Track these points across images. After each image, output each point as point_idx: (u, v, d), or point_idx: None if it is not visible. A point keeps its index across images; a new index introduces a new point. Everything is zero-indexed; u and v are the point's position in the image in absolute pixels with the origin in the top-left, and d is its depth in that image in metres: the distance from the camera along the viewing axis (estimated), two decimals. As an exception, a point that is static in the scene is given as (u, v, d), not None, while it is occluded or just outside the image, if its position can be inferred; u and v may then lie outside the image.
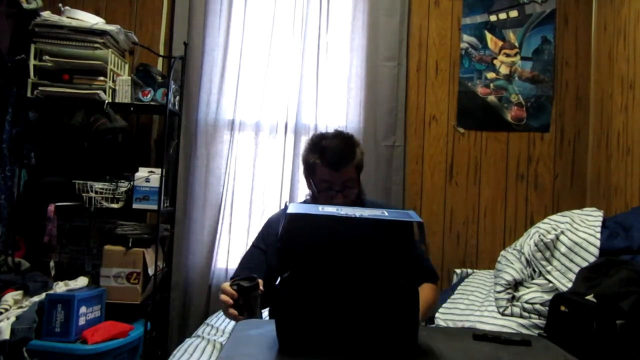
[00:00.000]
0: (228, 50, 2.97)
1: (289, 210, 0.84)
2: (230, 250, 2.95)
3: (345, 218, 0.84)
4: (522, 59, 3.05)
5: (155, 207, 2.63)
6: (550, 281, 2.10)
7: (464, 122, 3.05)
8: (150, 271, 2.64)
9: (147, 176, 2.64)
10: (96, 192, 2.60)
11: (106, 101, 2.61)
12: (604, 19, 2.89)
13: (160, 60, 3.05)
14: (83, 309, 2.27)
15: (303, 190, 2.76)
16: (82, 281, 2.55)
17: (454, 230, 3.03)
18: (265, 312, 1.61)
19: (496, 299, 2.16)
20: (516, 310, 2.07)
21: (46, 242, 2.57)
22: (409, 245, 0.96)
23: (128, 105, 2.70)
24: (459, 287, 2.50)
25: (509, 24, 3.06)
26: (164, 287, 2.90)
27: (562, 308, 1.74)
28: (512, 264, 2.29)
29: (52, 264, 2.73)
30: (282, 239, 0.84)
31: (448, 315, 2.26)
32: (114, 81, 2.70)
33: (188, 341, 2.14)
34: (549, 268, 2.14)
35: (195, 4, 2.97)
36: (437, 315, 2.28)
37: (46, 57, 2.62)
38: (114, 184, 2.67)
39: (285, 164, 2.94)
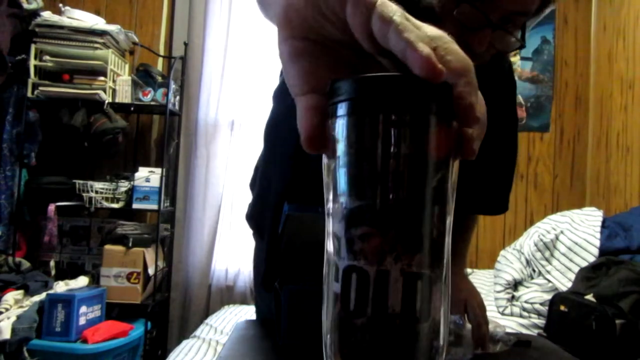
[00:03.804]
0: (228, 50, 2.97)
1: (288, 212, 0.84)
2: (230, 251, 2.95)
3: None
4: (522, 59, 3.06)
5: (155, 207, 2.64)
6: (549, 281, 2.10)
7: (463, 122, 3.05)
8: (150, 271, 2.64)
9: (147, 176, 2.65)
10: (96, 192, 2.60)
11: (106, 101, 2.62)
12: (604, 19, 2.90)
13: (160, 60, 3.05)
14: (83, 309, 2.27)
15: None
16: (82, 281, 2.55)
17: (454, 230, 3.03)
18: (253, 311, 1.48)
19: (496, 299, 2.17)
20: (516, 310, 2.08)
21: (46, 241, 2.57)
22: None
23: (128, 105, 2.71)
24: (459, 287, 2.50)
25: (508, 24, 3.06)
26: (164, 287, 2.90)
27: (562, 308, 1.75)
28: (512, 263, 2.29)
29: (52, 263, 2.74)
30: (281, 240, 0.84)
31: (448, 315, 2.26)
32: (114, 81, 2.70)
33: (185, 342, 2.14)
34: (548, 268, 2.14)
35: (195, 4, 2.97)
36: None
37: (46, 57, 2.63)
38: (114, 183, 2.67)
39: (285, 164, 2.94)
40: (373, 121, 0.29)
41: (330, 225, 0.31)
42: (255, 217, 1.03)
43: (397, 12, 0.30)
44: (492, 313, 2.09)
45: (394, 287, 0.29)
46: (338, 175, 0.30)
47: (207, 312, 2.84)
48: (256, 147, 2.93)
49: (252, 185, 1.06)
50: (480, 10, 0.65)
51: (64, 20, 2.62)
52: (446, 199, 0.30)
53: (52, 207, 2.55)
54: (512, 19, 0.70)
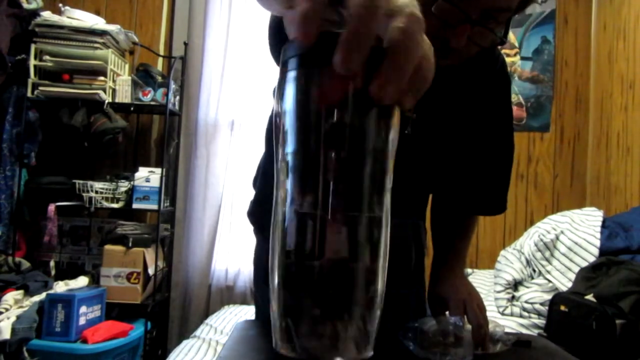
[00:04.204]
0: (228, 50, 2.97)
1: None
2: (230, 251, 2.95)
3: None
4: (522, 59, 3.06)
5: (155, 207, 2.64)
6: (550, 281, 2.10)
7: (463, 122, 3.05)
8: (150, 271, 2.64)
9: (147, 176, 2.65)
10: (96, 192, 2.60)
11: (106, 101, 2.62)
12: (604, 19, 2.89)
13: (160, 60, 3.05)
14: (83, 309, 2.27)
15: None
16: (82, 281, 2.55)
17: (454, 230, 3.03)
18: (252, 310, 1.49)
19: (496, 299, 2.17)
20: (516, 310, 2.08)
21: (46, 241, 2.57)
22: (411, 245, 0.96)
23: (128, 105, 2.71)
24: (459, 287, 2.50)
25: (508, 24, 3.06)
26: (164, 287, 2.90)
27: (562, 308, 1.75)
28: (512, 263, 2.29)
29: (52, 263, 2.74)
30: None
31: (448, 315, 2.26)
32: (114, 81, 2.70)
33: (185, 342, 2.14)
34: (548, 268, 2.14)
35: (195, 4, 2.97)
36: (437, 315, 2.28)
37: (46, 57, 2.63)
38: (114, 183, 2.67)
39: (285, 164, 2.94)
40: (282, 80, 0.33)
41: (278, 178, 0.34)
42: (256, 214, 1.04)
43: None
44: (492, 313, 2.10)
45: (302, 226, 0.32)
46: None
47: (207, 312, 2.84)
48: (256, 147, 2.94)
49: (255, 183, 1.08)
50: (458, 7, 0.63)
51: (64, 20, 2.62)
52: (371, 148, 0.31)
53: (52, 207, 2.55)
54: (495, 15, 0.68)
